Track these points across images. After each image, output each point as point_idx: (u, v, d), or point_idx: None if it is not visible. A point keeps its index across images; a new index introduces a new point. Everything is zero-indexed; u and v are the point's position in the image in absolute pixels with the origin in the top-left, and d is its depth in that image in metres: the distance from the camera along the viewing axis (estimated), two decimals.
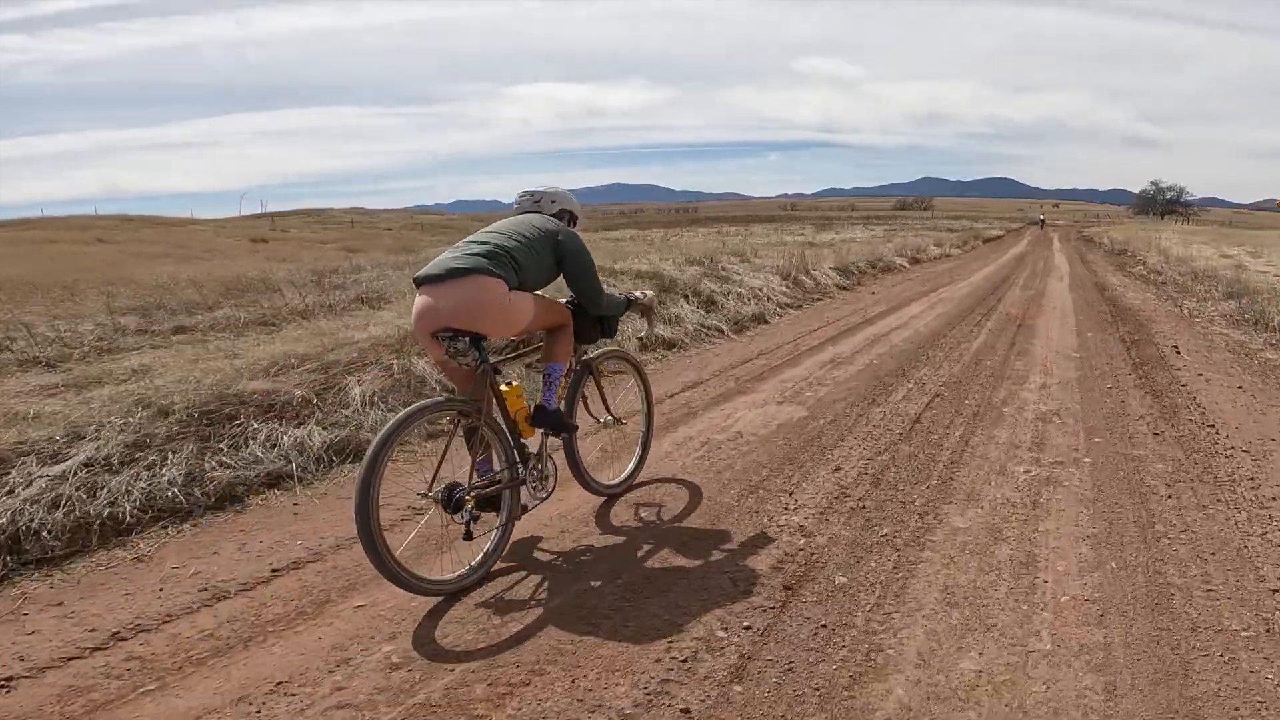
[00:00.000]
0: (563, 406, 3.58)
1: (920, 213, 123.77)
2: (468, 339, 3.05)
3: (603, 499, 3.95)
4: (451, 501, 2.98)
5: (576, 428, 3.66)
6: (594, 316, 3.64)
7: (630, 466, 4.13)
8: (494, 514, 3.24)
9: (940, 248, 27.07)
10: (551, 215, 3.56)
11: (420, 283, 3.13)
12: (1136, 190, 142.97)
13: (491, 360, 3.22)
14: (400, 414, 2.92)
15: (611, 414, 4.00)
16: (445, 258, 3.16)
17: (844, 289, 13.64)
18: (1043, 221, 72.20)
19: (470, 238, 3.30)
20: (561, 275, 3.46)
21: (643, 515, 3.82)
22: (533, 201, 3.61)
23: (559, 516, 3.79)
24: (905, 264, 19.81)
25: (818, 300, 12.00)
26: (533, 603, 2.98)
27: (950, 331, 9.25)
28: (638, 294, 3.92)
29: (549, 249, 3.34)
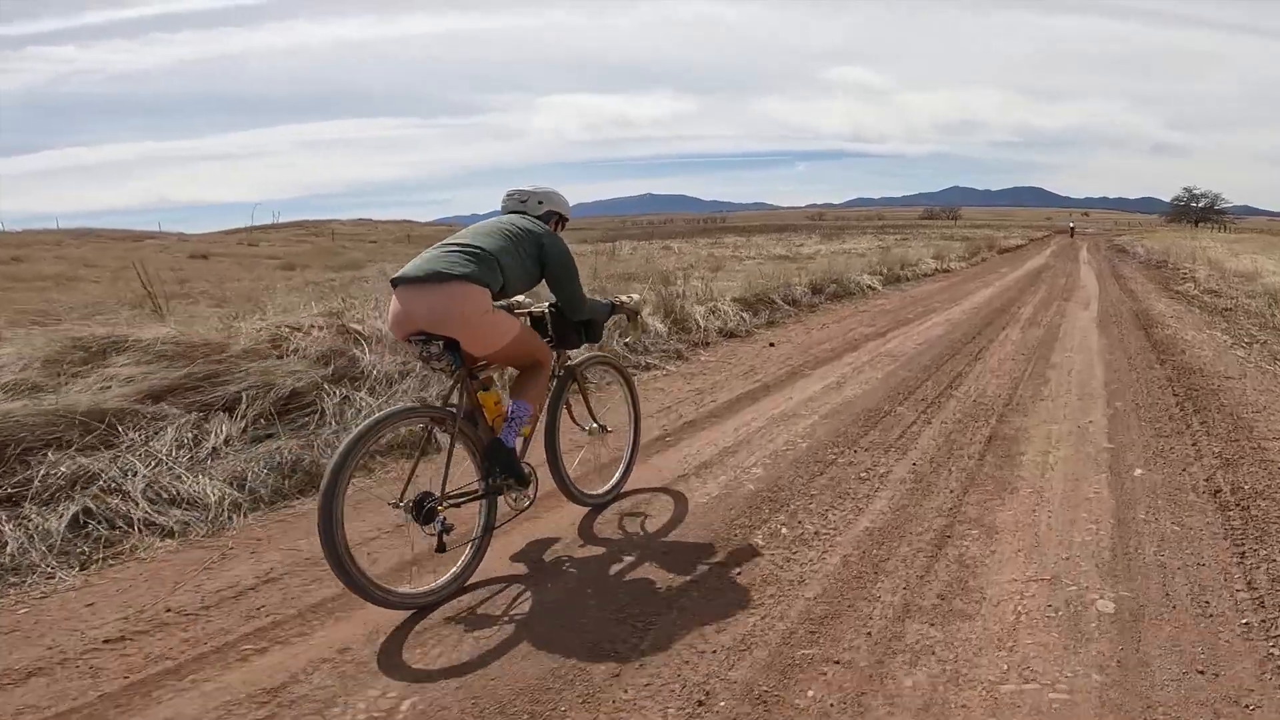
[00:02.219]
0: (521, 446, 3.15)
1: (945, 222, 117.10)
2: (441, 344, 2.80)
3: (587, 509, 3.59)
4: (422, 512, 2.71)
5: (530, 477, 3.12)
6: (576, 322, 3.35)
7: (616, 476, 3.80)
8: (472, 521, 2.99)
9: (939, 261, 21.58)
10: (538, 216, 3.25)
11: (398, 283, 2.84)
12: (1167, 198, 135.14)
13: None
14: (367, 421, 2.69)
15: (596, 421, 3.70)
16: (427, 259, 2.88)
17: (734, 337, 8.39)
18: (1073, 229, 66.70)
19: (452, 238, 2.99)
20: (544, 279, 3.18)
21: (627, 527, 3.46)
22: (519, 202, 3.28)
23: (542, 527, 3.42)
24: (877, 285, 14.46)
25: (650, 368, 6.74)
26: (507, 619, 2.69)
27: (820, 476, 4.05)
28: (623, 298, 3.69)
29: (533, 252, 3.06)
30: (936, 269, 19.91)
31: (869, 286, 14.16)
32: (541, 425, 3.38)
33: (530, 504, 3.16)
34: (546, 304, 3.36)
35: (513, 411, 3.03)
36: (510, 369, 3.37)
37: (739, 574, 2.98)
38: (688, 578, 2.97)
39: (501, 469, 2.96)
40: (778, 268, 15.38)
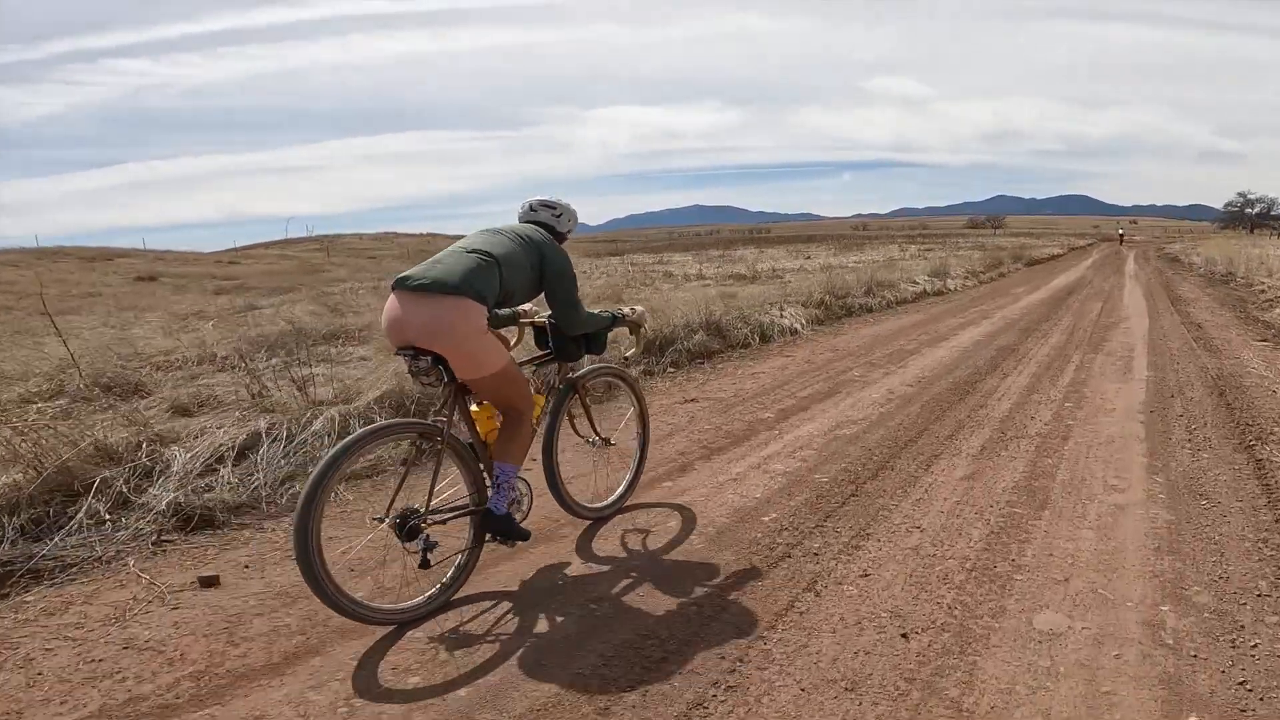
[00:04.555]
0: (516, 508, 2.90)
1: (986, 231, 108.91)
2: (429, 358, 2.57)
3: (587, 522, 3.34)
4: (405, 528, 2.51)
5: (528, 536, 2.86)
6: (577, 334, 3.10)
7: (620, 488, 3.51)
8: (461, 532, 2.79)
9: (938, 279, 15.95)
10: (562, 232, 3.07)
11: (397, 285, 2.60)
12: (1217, 205, 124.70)
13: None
14: (351, 436, 2.49)
15: (599, 434, 3.42)
16: (430, 265, 2.64)
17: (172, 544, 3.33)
18: (1122, 236, 60.36)
19: (457, 246, 2.74)
20: (543, 291, 2.95)
21: (629, 543, 3.16)
22: (553, 215, 3.06)
23: (539, 539, 3.11)
24: (800, 326, 9.10)
25: None
26: (490, 638, 2.45)
27: None
28: (625, 310, 3.36)
29: (535, 264, 2.84)
30: (924, 291, 14.32)
31: (787, 330, 8.82)
32: (540, 437, 3.09)
33: (522, 520, 2.90)
34: (548, 315, 3.08)
35: (498, 476, 2.75)
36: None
37: None
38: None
39: (498, 536, 2.75)
40: (688, 296, 10.18)
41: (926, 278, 15.83)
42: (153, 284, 30.80)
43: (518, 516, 2.84)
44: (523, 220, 3.06)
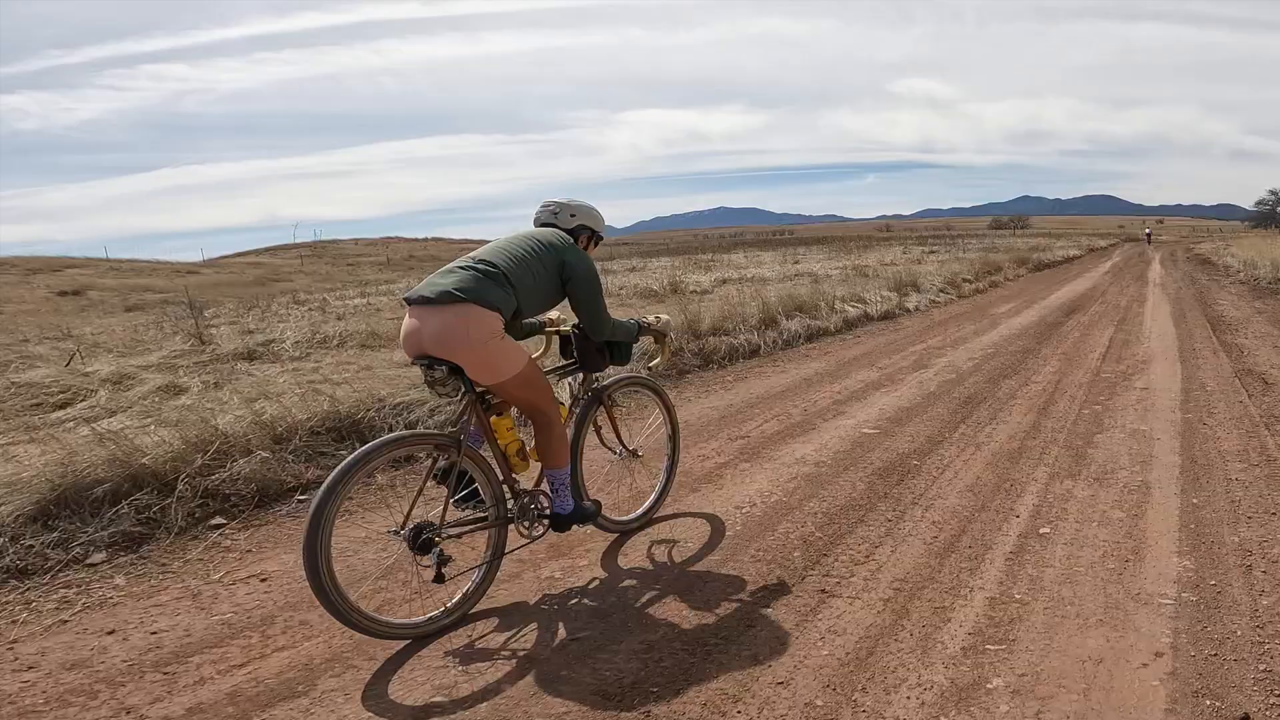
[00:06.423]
0: (572, 493, 2.82)
1: (1004, 232, 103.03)
2: (445, 368, 2.44)
3: (614, 535, 3.11)
4: (419, 542, 2.35)
5: (599, 508, 2.87)
6: (601, 344, 2.92)
7: (649, 500, 3.28)
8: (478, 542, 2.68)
9: (895, 295, 11.82)
10: (568, 230, 2.86)
11: (410, 302, 2.52)
12: (1245, 204, 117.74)
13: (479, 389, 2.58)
14: (364, 447, 2.33)
15: (625, 445, 3.21)
16: (437, 278, 2.52)
17: None
18: (1149, 236, 54.98)
19: (467, 256, 2.62)
20: (566, 298, 2.79)
21: (655, 555, 2.98)
22: (551, 214, 2.89)
23: (559, 552, 2.98)
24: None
25: None
26: (509, 654, 2.29)
27: None
28: (651, 319, 3.16)
29: (554, 270, 2.68)
30: (865, 315, 10.19)
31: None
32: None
33: (544, 533, 2.77)
34: (572, 324, 2.95)
35: (551, 483, 2.74)
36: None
37: None
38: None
39: (576, 525, 2.77)
40: None
41: (883, 294, 11.70)
42: (76, 298, 27.84)
43: (535, 534, 2.71)
44: (537, 224, 2.89)
